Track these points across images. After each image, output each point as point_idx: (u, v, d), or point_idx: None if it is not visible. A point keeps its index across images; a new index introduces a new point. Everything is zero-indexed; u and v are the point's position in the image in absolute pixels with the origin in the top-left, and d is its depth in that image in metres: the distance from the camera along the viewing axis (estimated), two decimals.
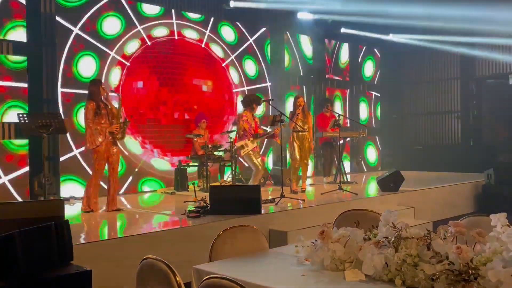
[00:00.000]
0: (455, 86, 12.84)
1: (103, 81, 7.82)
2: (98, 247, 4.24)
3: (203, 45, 9.50)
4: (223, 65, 9.86)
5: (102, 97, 6.02)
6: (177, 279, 2.30)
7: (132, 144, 8.43)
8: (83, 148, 7.64)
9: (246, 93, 9.77)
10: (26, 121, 5.63)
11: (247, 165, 7.72)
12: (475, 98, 12.35)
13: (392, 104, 13.51)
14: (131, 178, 8.35)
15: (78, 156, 7.71)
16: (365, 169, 12.49)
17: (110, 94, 6.47)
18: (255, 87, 10.36)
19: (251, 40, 10.34)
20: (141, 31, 8.66)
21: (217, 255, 2.99)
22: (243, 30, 10.22)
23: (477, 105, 12.33)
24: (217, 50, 9.77)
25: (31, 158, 7.15)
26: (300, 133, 7.65)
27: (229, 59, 9.97)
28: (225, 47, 9.91)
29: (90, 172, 7.72)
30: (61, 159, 7.54)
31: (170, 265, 2.34)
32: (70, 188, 7.56)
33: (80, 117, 7.67)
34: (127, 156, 8.33)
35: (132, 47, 8.53)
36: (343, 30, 11.82)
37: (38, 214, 3.30)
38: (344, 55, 12.51)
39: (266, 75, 10.63)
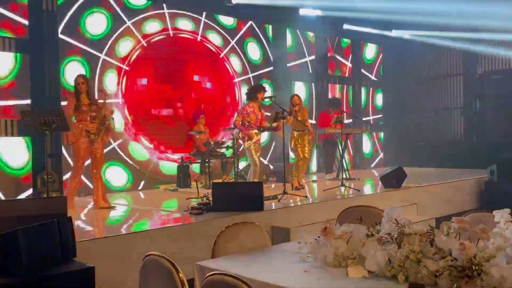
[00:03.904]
0: (458, 82, 12.81)
1: (96, 82, 7.73)
2: (101, 244, 4.24)
3: (199, 38, 9.37)
4: (222, 55, 9.80)
5: (83, 94, 5.82)
6: (180, 275, 2.30)
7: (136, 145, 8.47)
8: None
9: (251, 80, 9.85)
10: (29, 119, 5.64)
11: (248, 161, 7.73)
12: (478, 94, 12.31)
13: (395, 101, 13.49)
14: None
15: None
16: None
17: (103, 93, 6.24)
18: (259, 72, 10.44)
19: (250, 75, 10.28)
20: (171, 34, 8.68)
21: (220, 252, 2.99)
22: (247, 63, 10.23)
23: (480, 101, 12.29)
24: (215, 38, 9.71)
25: (33, 156, 7.16)
26: (299, 132, 7.72)
27: (234, 81, 9.97)
28: (234, 74, 9.90)
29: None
30: None
31: (173, 262, 2.35)
32: None
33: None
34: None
35: (125, 47, 8.35)
36: (345, 26, 11.78)
37: (41, 211, 3.31)
38: (347, 51, 12.49)
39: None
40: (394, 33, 12.47)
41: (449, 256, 2.17)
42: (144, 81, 8.60)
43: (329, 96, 11.61)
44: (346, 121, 9.42)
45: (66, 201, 3.58)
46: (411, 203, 7.16)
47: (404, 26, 11.93)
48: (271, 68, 10.65)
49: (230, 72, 9.90)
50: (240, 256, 2.92)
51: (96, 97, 6.68)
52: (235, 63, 10.03)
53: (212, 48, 9.57)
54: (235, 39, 10.03)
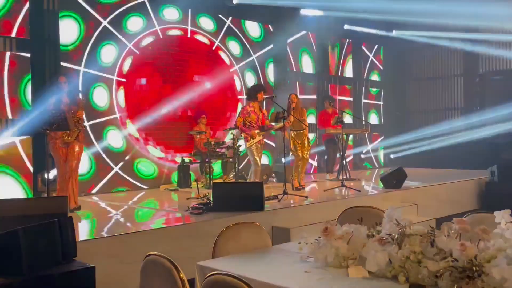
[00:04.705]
0: (459, 83, 12.81)
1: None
2: (101, 243, 4.24)
3: (189, 31, 9.24)
4: (231, 70, 9.80)
5: (64, 94, 5.78)
6: (181, 275, 2.30)
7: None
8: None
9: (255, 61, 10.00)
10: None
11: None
12: (478, 95, 12.31)
13: (395, 101, 13.49)
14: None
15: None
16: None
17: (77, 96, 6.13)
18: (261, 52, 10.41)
19: (254, 57, 10.22)
20: (159, 31, 8.71)
21: (221, 252, 2.99)
22: (247, 43, 10.16)
23: (481, 102, 12.28)
24: (225, 58, 9.73)
25: (34, 155, 7.16)
26: (297, 131, 7.72)
27: (234, 68, 9.88)
28: (233, 60, 9.85)
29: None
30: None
31: (173, 262, 2.35)
32: None
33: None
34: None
35: (109, 54, 8.06)
36: (346, 26, 11.78)
37: (42, 211, 3.32)
38: (347, 51, 12.49)
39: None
40: (395, 33, 12.47)
41: (449, 257, 2.17)
42: (143, 90, 8.54)
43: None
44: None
45: (67, 201, 3.59)
46: (411, 203, 7.15)
47: (404, 26, 11.93)
48: (271, 46, 10.53)
49: (227, 62, 9.79)
50: (240, 256, 2.92)
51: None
52: (233, 47, 9.88)
53: (205, 41, 9.46)
54: (230, 19, 9.84)
